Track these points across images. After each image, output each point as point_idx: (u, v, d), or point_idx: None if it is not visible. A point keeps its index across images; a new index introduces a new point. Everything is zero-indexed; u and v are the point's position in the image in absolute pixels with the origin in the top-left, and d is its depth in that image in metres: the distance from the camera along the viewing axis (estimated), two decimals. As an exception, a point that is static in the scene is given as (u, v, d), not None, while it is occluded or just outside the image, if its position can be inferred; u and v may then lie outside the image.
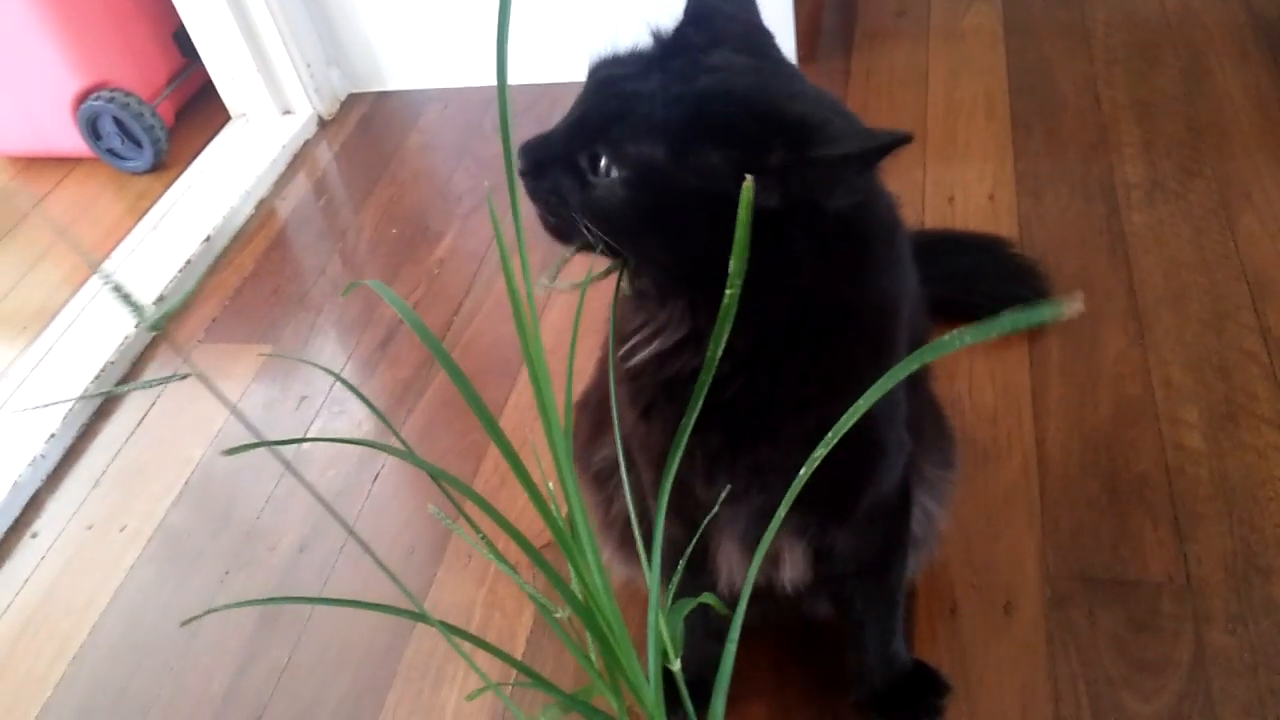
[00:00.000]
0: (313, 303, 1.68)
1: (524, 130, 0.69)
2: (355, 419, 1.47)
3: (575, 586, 0.61)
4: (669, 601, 0.68)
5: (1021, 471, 1.20)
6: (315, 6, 2.07)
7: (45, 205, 2.07)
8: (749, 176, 0.50)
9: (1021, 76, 1.82)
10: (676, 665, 0.66)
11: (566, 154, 0.67)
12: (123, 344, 1.63)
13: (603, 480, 0.99)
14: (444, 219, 1.79)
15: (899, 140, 0.60)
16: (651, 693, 0.63)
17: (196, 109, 2.20)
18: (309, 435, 1.45)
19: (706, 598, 0.69)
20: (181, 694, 1.17)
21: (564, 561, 0.62)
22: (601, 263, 0.71)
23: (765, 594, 0.91)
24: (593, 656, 0.65)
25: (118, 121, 2.01)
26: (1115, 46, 1.84)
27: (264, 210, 1.91)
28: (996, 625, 1.06)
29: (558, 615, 0.63)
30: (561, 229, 0.70)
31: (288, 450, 1.37)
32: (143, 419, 1.53)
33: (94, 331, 1.67)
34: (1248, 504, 1.12)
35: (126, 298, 0.48)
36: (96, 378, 1.59)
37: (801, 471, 0.58)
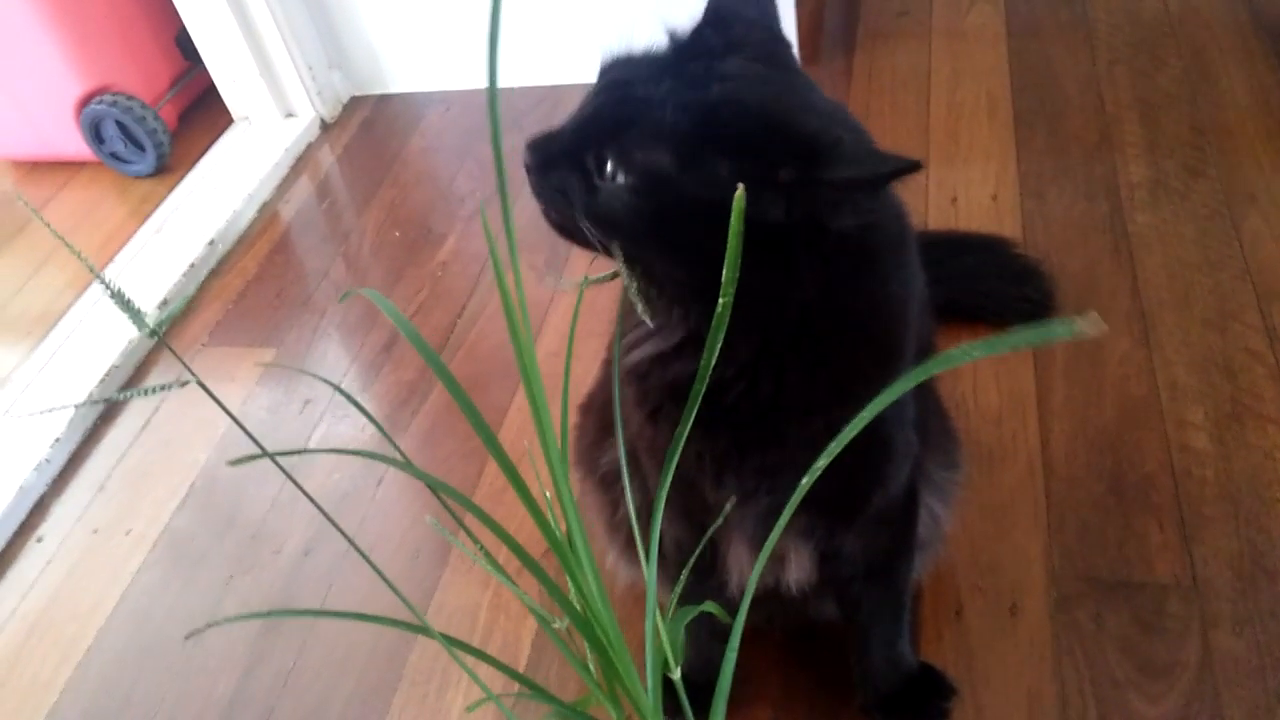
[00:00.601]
0: (316, 306, 1.68)
1: (527, 132, 0.69)
2: (360, 422, 1.46)
3: (573, 597, 0.61)
4: (674, 605, 0.68)
5: (1027, 473, 1.20)
6: (317, 9, 2.07)
7: (48, 210, 2.08)
8: (741, 186, 0.50)
9: (1024, 76, 1.81)
10: (677, 674, 0.65)
11: (574, 153, 0.66)
12: (127, 348, 1.63)
13: (610, 482, 0.99)
14: (447, 221, 1.79)
15: (908, 168, 0.59)
16: (650, 702, 0.63)
17: (199, 112, 2.20)
18: (313, 439, 1.45)
19: (709, 606, 0.69)
20: (187, 699, 1.17)
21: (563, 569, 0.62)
22: (601, 264, 0.70)
23: (771, 596, 0.91)
24: (591, 666, 0.65)
25: (120, 125, 2.01)
26: (1118, 46, 1.84)
27: (267, 213, 1.91)
28: (1002, 627, 1.06)
29: (556, 626, 0.63)
30: (565, 226, 0.70)
31: (291, 457, 1.37)
32: (147, 423, 1.54)
33: (98, 336, 1.68)
34: (1254, 505, 1.12)
35: (127, 304, 0.48)
36: (101, 382, 1.59)
37: (804, 480, 0.58)
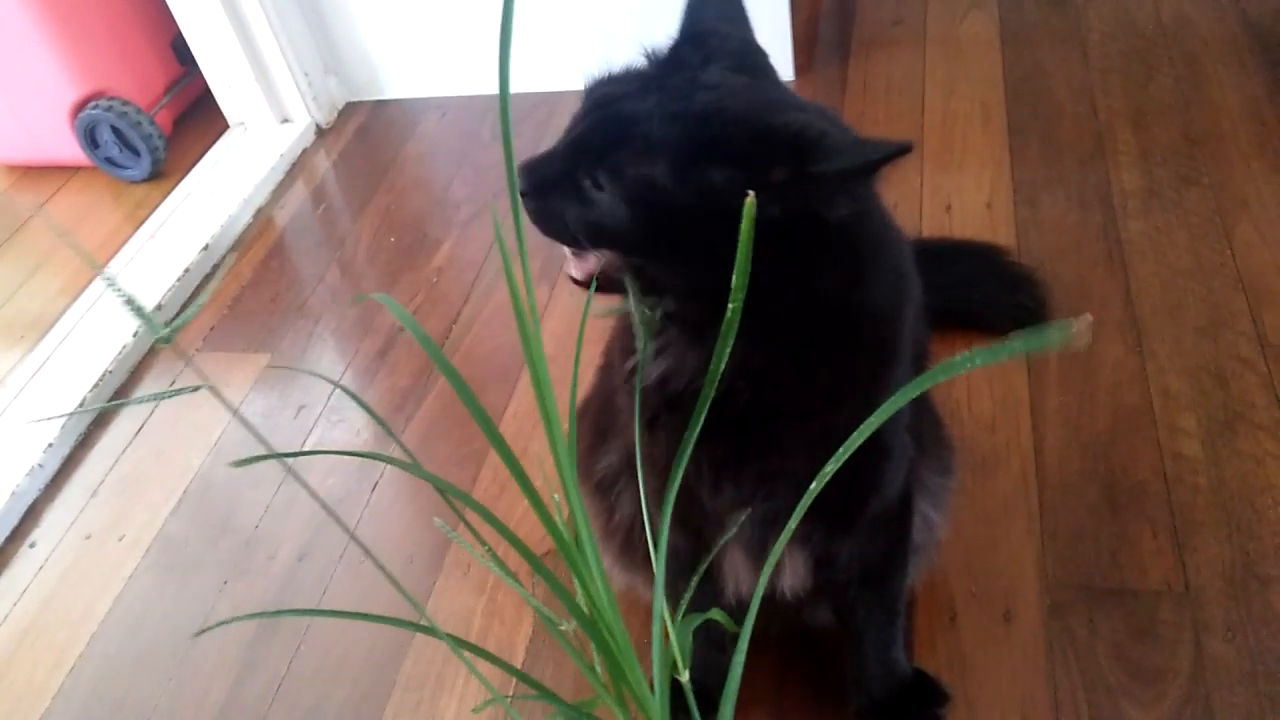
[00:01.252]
0: (311, 311, 1.68)
1: (523, 138, 0.69)
2: (354, 427, 1.46)
3: (579, 597, 0.61)
4: (681, 609, 0.68)
5: (1020, 479, 1.20)
6: (313, 15, 2.07)
7: (43, 214, 2.07)
8: (750, 194, 0.51)
9: (1018, 85, 1.82)
10: (685, 676, 0.66)
11: (568, 175, 0.67)
12: (121, 352, 1.63)
13: (604, 489, 0.99)
14: (442, 227, 1.79)
15: (899, 151, 0.60)
16: (658, 705, 0.63)
17: (194, 117, 2.20)
18: (308, 443, 1.44)
19: (715, 613, 0.69)
20: (180, 704, 1.17)
21: (564, 569, 0.62)
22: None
23: (766, 601, 0.91)
24: (597, 668, 0.65)
25: (116, 130, 2.01)
26: (1111, 55, 1.85)
27: (262, 219, 1.91)
28: (996, 633, 1.06)
29: (562, 628, 0.63)
30: (562, 238, 0.71)
31: (287, 459, 1.36)
32: (141, 428, 1.53)
33: (92, 340, 1.67)
34: (1246, 512, 1.12)
35: (139, 310, 0.48)
36: (95, 386, 1.58)
37: (812, 486, 0.58)
